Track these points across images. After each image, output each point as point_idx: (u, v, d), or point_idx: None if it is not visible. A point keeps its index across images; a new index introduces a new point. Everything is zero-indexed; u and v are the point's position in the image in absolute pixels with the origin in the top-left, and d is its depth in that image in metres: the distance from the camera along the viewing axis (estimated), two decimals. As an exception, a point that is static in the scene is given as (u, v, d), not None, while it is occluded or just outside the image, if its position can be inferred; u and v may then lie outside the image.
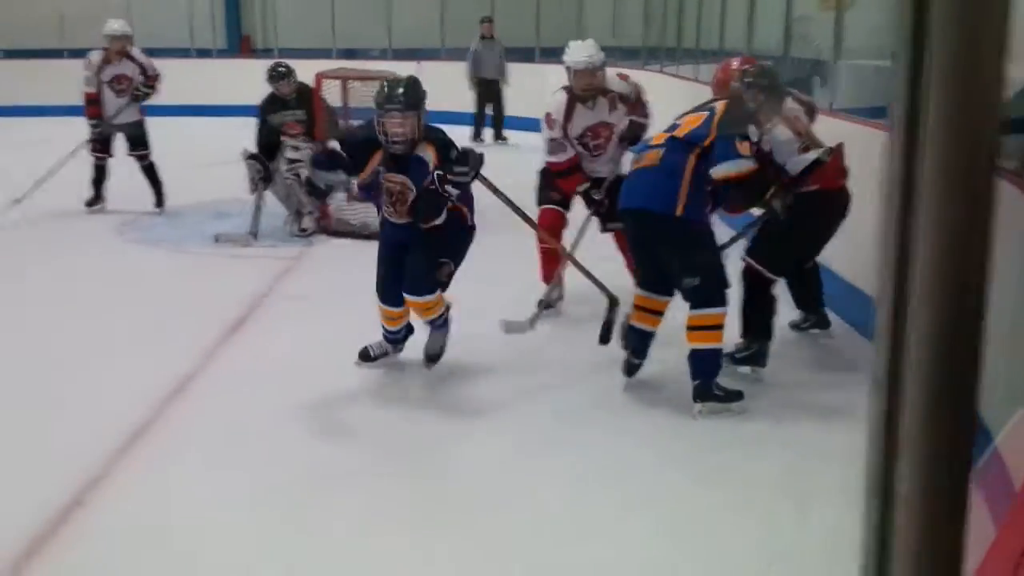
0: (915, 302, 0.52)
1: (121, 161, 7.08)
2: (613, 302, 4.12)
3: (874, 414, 0.55)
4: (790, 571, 2.56)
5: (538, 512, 2.85)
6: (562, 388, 3.77)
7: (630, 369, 3.74)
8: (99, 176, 7.06)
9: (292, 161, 6.15)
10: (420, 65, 9.82)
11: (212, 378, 3.90)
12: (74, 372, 3.91)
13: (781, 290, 4.01)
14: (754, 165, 3.50)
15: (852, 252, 4.09)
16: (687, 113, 3.73)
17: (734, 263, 3.88)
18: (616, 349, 3.81)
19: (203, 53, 14.30)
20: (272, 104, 6.30)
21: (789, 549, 2.63)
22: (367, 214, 5.82)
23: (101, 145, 6.96)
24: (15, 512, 2.77)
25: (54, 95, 11.68)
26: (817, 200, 3.74)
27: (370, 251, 4.00)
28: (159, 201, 7.14)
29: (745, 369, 3.83)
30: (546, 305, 4.43)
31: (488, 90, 10.83)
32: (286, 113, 6.26)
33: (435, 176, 3.58)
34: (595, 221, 4.66)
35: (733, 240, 4.17)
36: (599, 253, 4.59)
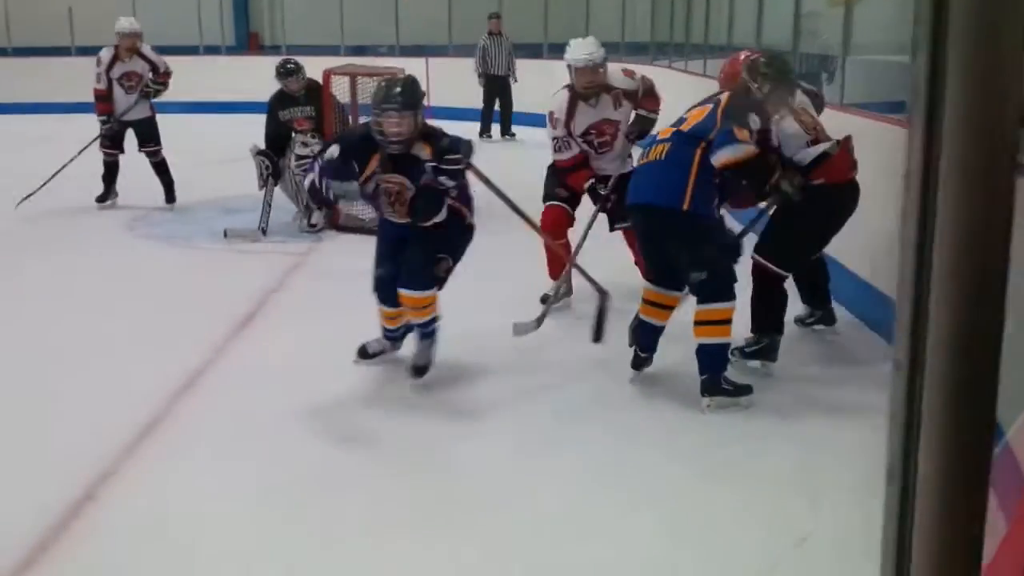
0: (934, 297, 0.52)
1: (132, 157, 7.11)
2: (603, 295, 4.10)
3: (895, 405, 0.55)
4: (796, 570, 2.52)
5: (538, 512, 2.83)
6: (563, 386, 3.75)
7: (638, 364, 3.73)
8: (110, 172, 7.10)
9: (301, 157, 6.15)
10: (428, 62, 9.81)
11: (221, 373, 3.91)
12: (85, 367, 3.93)
13: (789, 284, 3.99)
14: (755, 149, 3.44)
15: (861, 246, 4.07)
16: (694, 107, 3.72)
17: (744, 257, 3.84)
18: (619, 345, 3.79)
19: (212, 50, 14.34)
20: (281, 100, 6.32)
21: (796, 547, 2.59)
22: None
23: (112, 141, 7.00)
24: (27, 508, 2.78)
25: (60, 92, 11.74)
26: (825, 193, 3.71)
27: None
28: (169, 197, 7.17)
29: (755, 363, 3.81)
30: (556, 299, 4.42)
31: (496, 86, 10.80)
32: (295, 109, 6.29)
33: (429, 168, 3.57)
34: (602, 219, 4.64)
35: (745, 230, 4.11)
36: (607, 250, 4.58)
